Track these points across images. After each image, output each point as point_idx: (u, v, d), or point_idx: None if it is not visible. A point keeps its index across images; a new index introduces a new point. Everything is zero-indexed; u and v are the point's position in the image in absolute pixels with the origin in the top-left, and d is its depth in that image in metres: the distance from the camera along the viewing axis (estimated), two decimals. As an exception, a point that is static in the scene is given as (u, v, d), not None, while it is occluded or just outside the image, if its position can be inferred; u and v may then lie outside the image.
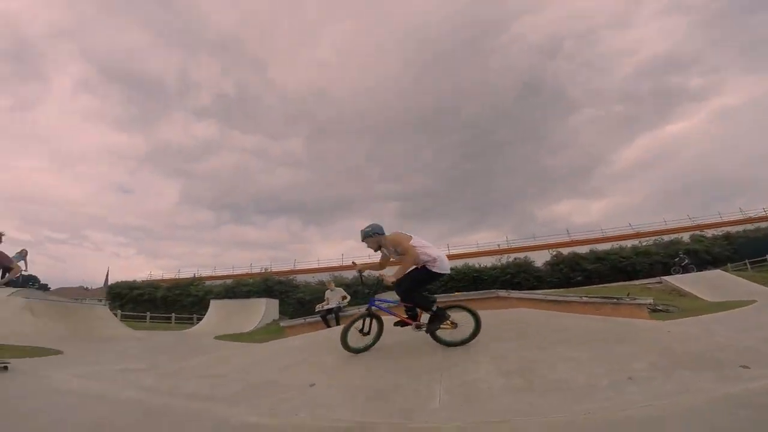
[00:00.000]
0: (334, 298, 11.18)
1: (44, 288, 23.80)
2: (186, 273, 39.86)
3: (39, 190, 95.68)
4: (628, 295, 10.66)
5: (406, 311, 4.59)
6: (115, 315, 18.51)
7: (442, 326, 4.35)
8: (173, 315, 24.88)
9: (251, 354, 5.99)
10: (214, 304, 21.29)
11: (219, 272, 39.44)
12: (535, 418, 2.60)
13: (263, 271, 35.52)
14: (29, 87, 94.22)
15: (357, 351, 4.38)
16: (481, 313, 6.79)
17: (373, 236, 4.40)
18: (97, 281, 56.99)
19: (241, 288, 28.10)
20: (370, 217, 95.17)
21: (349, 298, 11.54)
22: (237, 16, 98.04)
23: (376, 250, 4.52)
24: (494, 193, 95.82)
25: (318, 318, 11.22)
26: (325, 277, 26.74)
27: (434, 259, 4.37)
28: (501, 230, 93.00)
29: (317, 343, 5.72)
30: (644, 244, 26.21)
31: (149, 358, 7.11)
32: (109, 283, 33.53)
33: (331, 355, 4.12)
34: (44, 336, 9.24)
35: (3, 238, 5.07)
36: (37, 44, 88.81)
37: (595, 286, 19.67)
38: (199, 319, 21.29)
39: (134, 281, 31.91)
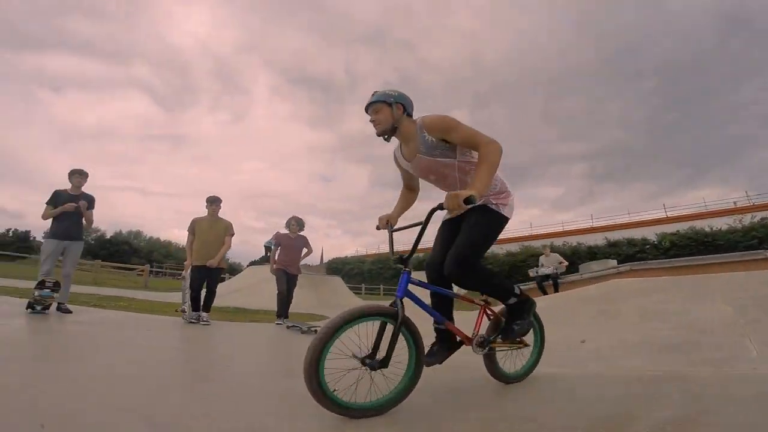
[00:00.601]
0: (550, 263, 10.90)
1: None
2: (384, 248, 44.55)
3: (263, 185, 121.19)
4: None
5: (435, 305, 2.27)
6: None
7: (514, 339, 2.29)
8: (381, 286, 28.26)
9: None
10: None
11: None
12: None
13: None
14: (237, 100, 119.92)
15: (359, 412, 1.69)
16: (746, 274, 5.43)
17: (391, 105, 2.16)
18: (315, 260, 69.02)
19: (434, 260, 29.96)
20: (550, 182, 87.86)
21: (566, 263, 11.07)
22: (378, 5, 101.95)
23: (382, 134, 2.21)
24: (712, 143, 77.10)
25: (532, 284, 11.10)
26: (513, 247, 27.14)
27: (508, 193, 2.26)
28: (732, 185, 72.45)
29: (553, 306, 5.67)
30: None
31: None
32: (325, 261, 40.15)
33: (574, 316, 3.91)
34: (305, 303, 11.57)
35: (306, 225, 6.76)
36: (231, 61, 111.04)
37: None
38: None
39: (345, 257, 37.55)
